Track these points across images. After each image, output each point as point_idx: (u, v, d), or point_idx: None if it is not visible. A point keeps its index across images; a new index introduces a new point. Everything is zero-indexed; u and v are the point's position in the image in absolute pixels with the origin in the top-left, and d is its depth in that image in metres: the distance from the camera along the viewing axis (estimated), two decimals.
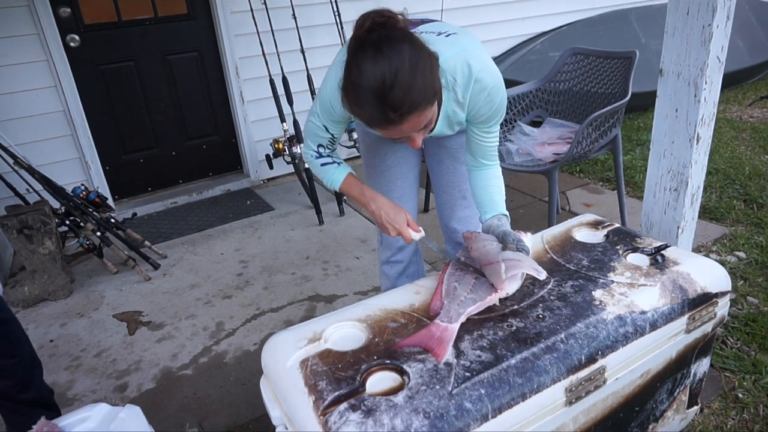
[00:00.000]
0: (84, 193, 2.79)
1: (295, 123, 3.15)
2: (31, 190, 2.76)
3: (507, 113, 2.79)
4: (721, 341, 1.93)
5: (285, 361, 1.13)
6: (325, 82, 1.32)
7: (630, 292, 1.26)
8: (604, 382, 1.17)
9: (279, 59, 3.21)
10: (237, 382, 1.97)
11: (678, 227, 1.68)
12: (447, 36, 1.30)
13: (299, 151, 3.07)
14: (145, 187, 3.64)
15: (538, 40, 4.32)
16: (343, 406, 0.98)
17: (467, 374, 1.04)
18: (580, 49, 2.77)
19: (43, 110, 3.07)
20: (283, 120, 3.17)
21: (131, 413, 1.28)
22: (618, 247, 1.46)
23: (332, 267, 2.69)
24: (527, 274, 1.32)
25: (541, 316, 1.20)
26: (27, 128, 3.04)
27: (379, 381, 1.05)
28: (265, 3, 3.17)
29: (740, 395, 1.71)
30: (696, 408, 1.56)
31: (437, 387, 1.01)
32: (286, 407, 1.08)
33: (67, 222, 2.70)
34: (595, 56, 2.70)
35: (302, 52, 3.24)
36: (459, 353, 1.10)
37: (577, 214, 1.98)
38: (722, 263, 2.04)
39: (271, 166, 3.24)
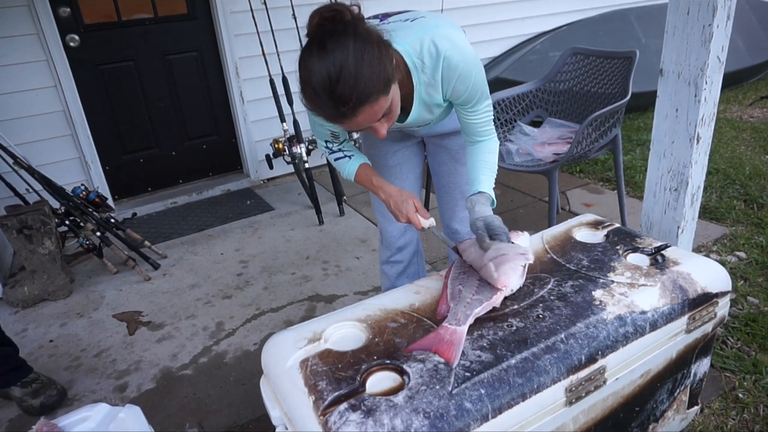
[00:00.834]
0: (84, 193, 2.79)
1: (295, 123, 3.15)
2: (30, 190, 2.76)
3: (507, 113, 2.80)
4: (721, 341, 1.93)
5: (285, 361, 1.13)
6: None
7: (630, 292, 1.26)
8: (604, 382, 1.17)
9: (279, 59, 3.21)
10: (237, 382, 1.97)
11: (678, 227, 1.68)
12: (413, 20, 1.29)
13: (299, 151, 3.07)
14: (145, 187, 3.64)
15: (538, 40, 4.32)
16: (343, 406, 0.98)
17: (467, 374, 1.04)
18: (580, 49, 2.77)
19: (43, 110, 3.07)
20: (283, 120, 3.17)
21: (131, 413, 1.28)
22: (618, 247, 1.46)
23: (332, 267, 2.69)
24: (530, 267, 1.33)
25: (541, 316, 1.20)
26: (27, 128, 3.04)
27: (379, 381, 1.05)
28: (265, 3, 3.17)
29: (740, 395, 1.71)
30: (696, 408, 1.56)
31: (437, 387, 1.01)
32: (286, 407, 1.08)
33: (67, 222, 2.69)
34: (595, 56, 2.69)
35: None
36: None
37: (577, 214, 1.98)
38: (722, 263, 2.04)
39: (271, 166, 3.24)
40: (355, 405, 0.98)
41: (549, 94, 2.85)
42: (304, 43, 1.14)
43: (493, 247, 1.30)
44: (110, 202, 3.30)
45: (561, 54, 2.82)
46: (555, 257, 1.43)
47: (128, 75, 3.36)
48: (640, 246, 1.45)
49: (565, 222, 1.62)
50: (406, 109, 1.36)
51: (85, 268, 2.86)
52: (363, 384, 1.03)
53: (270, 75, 3.17)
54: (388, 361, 1.08)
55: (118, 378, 2.04)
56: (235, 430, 1.77)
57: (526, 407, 1.05)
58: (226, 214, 3.39)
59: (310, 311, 2.35)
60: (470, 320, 1.17)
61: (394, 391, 1.02)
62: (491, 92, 1.68)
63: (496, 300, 1.22)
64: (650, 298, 1.25)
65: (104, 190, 3.36)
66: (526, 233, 1.43)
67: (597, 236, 1.54)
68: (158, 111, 3.52)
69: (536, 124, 2.83)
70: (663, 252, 1.41)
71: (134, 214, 3.16)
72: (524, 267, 1.31)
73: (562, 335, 1.14)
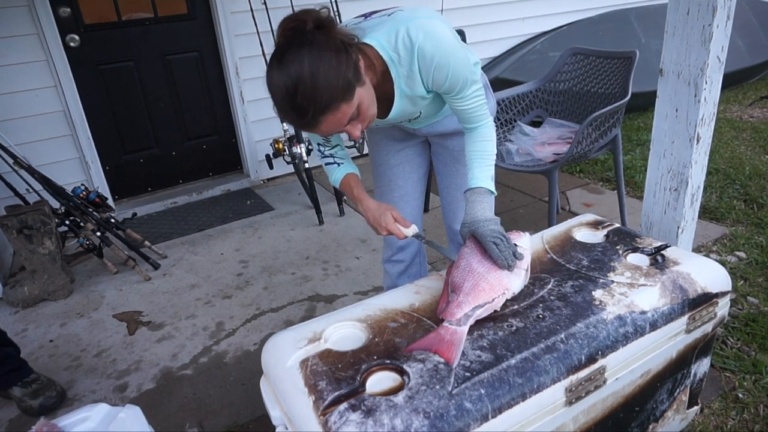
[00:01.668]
0: (84, 193, 2.79)
1: None
2: (31, 190, 2.76)
3: (507, 113, 2.80)
4: (721, 341, 1.93)
5: (285, 361, 1.13)
6: None
7: (630, 292, 1.26)
8: (604, 382, 1.17)
9: None
10: (237, 382, 1.97)
11: (678, 227, 1.68)
12: (390, 15, 1.28)
13: (299, 151, 3.07)
14: (145, 187, 3.64)
15: (538, 40, 4.32)
16: (343, 406, 0.98)
17: (467, 374, 1.04)
18: (580, 49, 2.77)
19: (43, 110, 3.07)
20: (283, 120, 3.16)
21: (131, 413, 1.28)
22: (618, 247, 1.46)
23: (332, 267, 2.69)
24: (530, 268, 1.33)
25: (541, 316, 1.20)
26: (27, 128, 3.04)
27: (379, 381, 1.05)
28: (265, 3, 3.17)
29: (740, 395, 1.71)
30: (696, 408, 1.56)
31: (437, 387, 1.01)
32: (286, 407, 1.08)
33: (67, 222, 2.69)
34: (595, 56, 2.70)
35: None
36: None
37: (577, 214, 1.98)
38: (722, 263, 2.04)
39: (271, 166, 3.24)
40: (355, 405, 0.98)
41: (549, 94, 2.85)
42: None
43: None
44: (110, 202, 3.30)
45: (561, 54, 2.82)
46: (555, 257, 1.43)
47: (128, 75, 3.36)
48: (640, 246, 1.45)
49: (565, 222, 1.62)
50: (390, 103, 1.36)
51: (85, 268, 2.86)
52: (363, 384, 1.03)
53: None
54: (388, 361, 1.08)
55: (118, 378, 2.04)
56: (235, 430, 1.77)
57: (526, 407, 1.05)
58: (226, 214, 3.39)
59: (310, 311, 2.35)
60: (471, 321, 1.16)
61: (394, 391, 1.02)
62: (492, 92, 1.67)
63: (498, 303, 1.22)
64: (650, 298, 1.25)
65: (104, 190, 3.36)
66: (527, 234, 1.42)
67: (597, 236, 1.54)
68: (158, 111, 3.52)
69: (536, 124, 2.83)
70: (663, 252, 1.41)
71: (134, 214, 3.16)
72: (526, 270, 1.30)
73: (562, 335, 1.14)
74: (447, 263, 1.37)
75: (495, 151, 1.41)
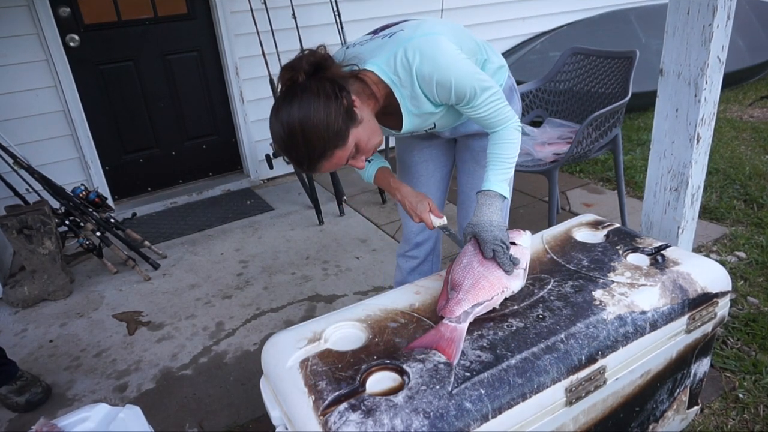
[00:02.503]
0: (84, 193, 2.79)
1: None
2: (30, 190, 2.76)
3: None
4: (721, 341, 1.93)
5: (285, 361, 1.13)
6: None
7: (630, 292, 1.26)
8: (604, 382, 1.17)
9: (279, 59, 3.21)
10: (237, 382, 1.97)
11: (678, 227, 1.68)
12: (391, 36, 1.29)
13: None
14: (145, 187, 3.64)
15: (538, 40, 4.32)
16: (343, 406, 0.98)
17: (467, 374, 1.04)
18: (580, 49, 2.77)
19: (42, 110, 3.07)
20: None
21: (131, 413, 1.28)
22: (618, 247, 1.45)
23: (332, 267, 2.69)
24: (530, 268, 1.34)
25: (541, 316, 1.20)
26: (27, 128, 3.04)
27: (379, 381, 1.05)
28: (265, 3, 3.17)
29: (741, 395, 1.71)
30: (696, 408, 1.56)
31: (437, 387, 1.01)
32: (286, 407, 1.08)
33: (67, 222, 2.69)
34: (595, 56, 2.69)
35: (302, 52, 3.23)
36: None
37: (577, 214, 1.98)
38: (722, 263, 2.04)
39: (271, 166, 3.24)
40: (355, 405, 0.98)
41: (549, 94, 2.85)
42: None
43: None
44: (110, 202, 3.30)
45: (561, 54, 2.82)
46: (555, 257, 1.43)
47: (128, 75, 3.35)
48: (640, 246, 1.45)
49: (565, 222, 1.62)
50: (401, 117, 1.37)
51: (85, 268, 2.86)
52: (363, 384, 1.03)
53: (270, 75, 3.17)
54: (388, 361, 1.08)
55: (118, 378, 2.04)
56: (235, 430, 1.77)
57: (526, 407, 1.05)
58: (226, 214, 3.39)
59: (310, 311, 2.35)
60: (470, 318, 1.17)
61: (394, 391, 1.02)
62: (518, 94, 1.67)
63: (497, 301, 1.22)
64: (650, 298, 1.25)
65: (104, 190, 3.36)
66: (528, 232, 1.43)
67: (597, 236, 1.54)
68: (158, 111, 3.51)
69: (536, 124, 2.83)
70: (663, 252, 1.41)
71: (134, 214, 3.16)
72: (525, 270, 1.31)
73: (562, 335, 1.14)
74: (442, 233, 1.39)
75: (515, 154, 1.37)
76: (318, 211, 3.17)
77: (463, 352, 1.10)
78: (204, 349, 2.17)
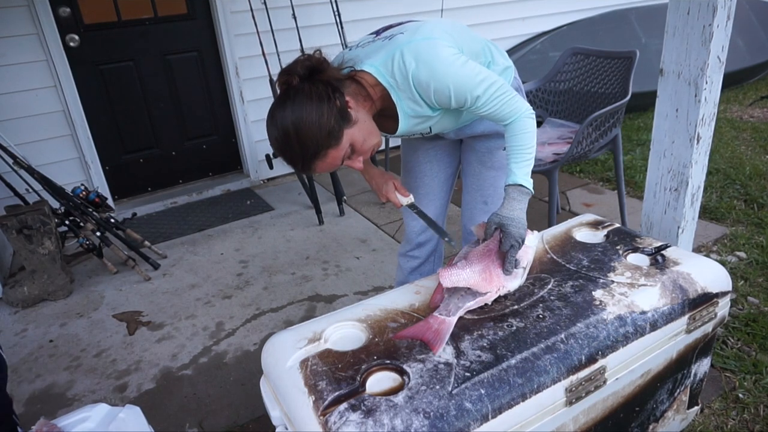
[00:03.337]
0: (84, 193, 2.79)
1: None
2: (30, 190, 2.76)
3: None
4: (721, 341, 1.93)
5: (285, 361, 1.13)
6: None
7: (630, 292, 1.26)
8: (605, 382, 1.17)
9: (279, 59, 3.21)
10: (237, 382, 1.97)
11: (678, 227, 1.68)
12: (390, 38, 1.30)
13: None
14: (145, 187, 3.64)
15: (538, 40, 4.32)
16: (343, 406, 0.98)
17: (467, 374, 1.04)
18: (580, 49, 2.77)
19: (42, 110, 3.07)
20: None
21: (131, 413, 1.28)
22: (618, 247, 1.45)
23: (332, 267, 2.69)
24: (530, 268, 1.34)
25: (541, 316, 1.20)
26: (27, 128, 3.04)
27: (379, 381, 1.05)
28: (265, 3, 3.17)
29: (741, 395, 1.71)
30: (696, 408, 1.56)
31: (437, 387, 1.01)
32: (286, 407, 1.08)
33: (67, 222, 2.69)
34: (595, 56, 2.69)
35: (302, 52, 3.21)
36: (459, 353, 1.09)
37: (577, 214, 1.98)
38: (723, 263, 2.04)
39: (271, 166, 3.23)
40: (355, 405, 0.98)
41: (549, 94, 2.85)
42: None
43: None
44: (110, 202, 3.30)
45: (561, 54, 2.82)
46: (555, 257, 1.43)
47: (128, 75, 3.35)
48: (640, 246, 1.45)
49: (565, 222, 1.62)
50: (397, 120, 1.37)
51: (85, 268, 2.86)
52: (363, 384, 1.03)
53: (270, 75, 3.17)
54: (388, 361, 1.08)
55: (118, 378, 2.04)
56: (235, 430, 1.77)
57: (526, 407, 1.05)
58: (226, 214, 3.39)
59: (310, 311, 2.35)
60: (460, 312, 1.18)
61: (394, 391, 1.02)
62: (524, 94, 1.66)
63: (489, 297, 1.23)
64: (650, 298, 1.25)
65: (104, 190, 3.36)
66: (535, 232, 1.43)
67: (597, 236, 1.53)
68: (158, 111, 3.51)
69: (536, 124, 2.83)
70: (663, 252, 1.41)
71: (134, 214, 3.16)
72: (525, 268, 1.31)
73: (562, 335, 1.14)
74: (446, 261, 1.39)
75: (533, 143, 1.34)
76: (318, 211, 3.17)
77: (463, 352, 1.10)
78: (204, 349, 2.17)
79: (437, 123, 1.43)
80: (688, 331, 1.31)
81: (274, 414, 1.15)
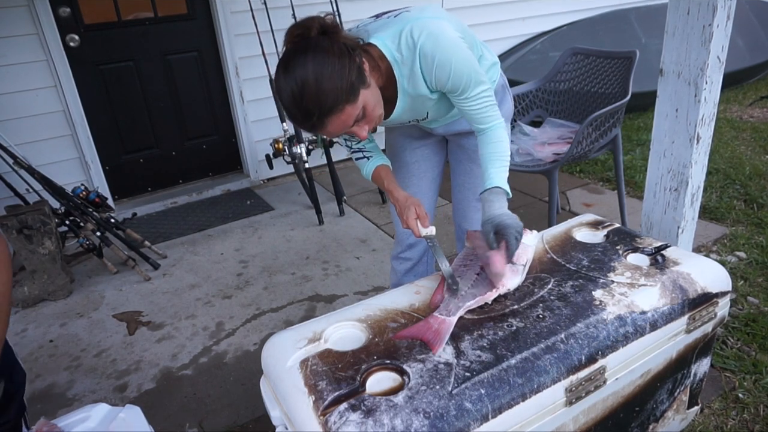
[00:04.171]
0: (84, 193, 2.79)
1: None
2: (30, 190, 2.76)
3: None
4: (721, 341, 1.93)
5: (285, 361, 1.13)
6: None
7: (630, 292, 1.26)
8: (604, 382, 1.17)
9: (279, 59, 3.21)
10: (237, 382, 1.97)
11: (678, 227, 1.68)
12: (396, 15, 1.30)
13: (299, 150, 3.07)
14: (145, 187, 3.64)
15: (538, 40, 4.32)
16: (343, 406, 0.98)
17: (467, 374, 1.04)
18: (580, 49, 2.77)
19: (42, 110, 3.07)
20: (283, 120, 3.17)
21: (131, 413, 1.28)
22: (618, 247, 1.45)
23: (332, 267, 2.69)
24: (530, 267, 1.34)
25: (541, 316, 1.20)
26: (27, 128, 3.04)
27: (379, 381, 1.05)
28: (265, 3, 3.17)
29: (741, 395, 1.71)
30: (696, 408, 1.56)
31: (437, 387, 1.01)
32: (286, 407, 1.08)
33: (67, 222, 2.69)
34: (595, 56, 2.69)
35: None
36: (459, 353, 1.10)
37: (577, 214, 1.98)
38: (722, 263, 2.04)
39: (271, 166, 3.24)
40: (355, 405, 0.98)
41: (549, 94, 2.85)
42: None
43: (491, 242, 1.31)
44: (110, 202, 3.30)
45: (561, 54, 2.82)
46: (555, 257, 1.43)
47: (128, 75, 3.35)
48: (640, 246, 1.45)
49: (565, 222, 1.62)
50: (395, 104, 1.37)
51: (85, 268, 2.86)
52: (363, 384, 1.03)
53: (270, 75, 3.17)
54: (388, 361, 1.08)
55: (118, 378, 2.04)
56: (235, 430, 1.77)
57: (526, 407, 1.05)
58: (226, 214, 3.39)
59: (310, 311, 2.35)
60: (460, 312, 1.18)
61: (394, 391, 1.02)
62: (510, 92, 1.67)
63: (490, 296, 1.23)
64: (650, 298, 1.25)
65: (104, 190, 3.36)
66: (534, 232, 1.44)
67: (597, 236, 1.54)
68: (158, 111, 3.52)
69: (536, 124, 2.83)
70: (663, 252, 1.41)
71: (134, 214, 3.16)
72: (524, 266, 1.31)
73: (562, 335, 1.14)
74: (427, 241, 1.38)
75: (508, 152, 1.40)
76: (318, 211, 3.17)
77: (463, 352, 1.10)
78: (204, 349, 2.17)
79: (433, 108, 1.42)
80: (688, 331, 1.31)
81: (274, 414, 1.15)
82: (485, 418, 1.00)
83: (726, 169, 3.29)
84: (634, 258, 1.41)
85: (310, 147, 3.12)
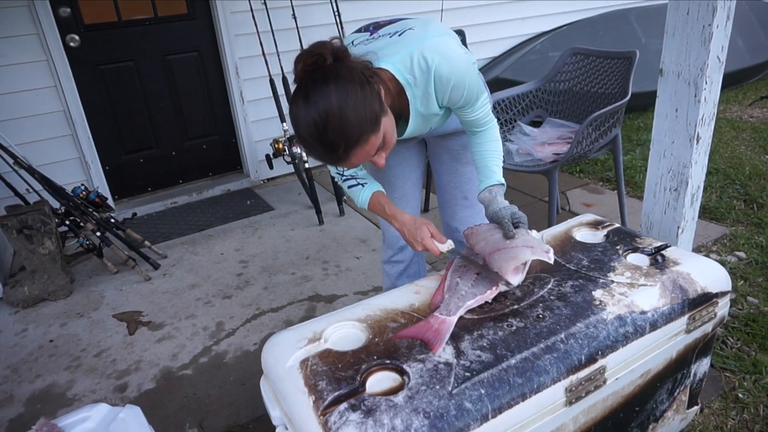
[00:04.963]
0: (84, 193, 2.79)
1: None
2: (31, 190, 2.76)
3: (507, 113, 2.80)
4: (721, 341, 1.93)
5: (285, 361, 1.13)
6: None
7: (630, 292, 1.26)
8: (604, 382, 1.17)
9: (279, 59, 3.21)
10: (237, 382, 1.97)
11: (678, 227, 1.68)
12: (400, 35, 1.29)
13: (299, 150, 3.07)
14: (145, 187, 3.64)
15: (538, 40, 4.32)
16: (343, 406, 0.98)
17: (467, 374, 1.04)
18: (580, 49, 2.77)
19: (43, 110, 3.07)
20: (283, 120, 3.17)
21: (131, 413, 1.28)
22: (618, 247, 1.46)
23: (332, 267, 2.69)
24: (530, 267, 1.34)
25: (541, 316, 1.20)
26: (27, 128, 3.04)
27: (379, 381, 1.05)
28: (265, 3, 3.17)
29: (740, 395, 1.71)
30: (696, 408, 1.56)
31: (437, 387, 1.01)
32: (286, 407, 1.08)
33: (67, 222, 2.69)
34: (595, 56, 2.70)
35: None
36: (459, 353, 1.10)
37: (577, 214, 1.98)
38: (722, 263, 2.04)
39: (271, 166, 3.24)
40: (355, 405, 0.98)
41: (549, 94, 2.85)
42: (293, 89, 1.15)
43: (511, 231, 1.32)
44: (110, 202, 3.30)
45: (561, 54, 2.82)
46: (555, 257, 1.43)
47: (128, 75, 3.36)
48: (640, 246, 1.45)
49: (565, 222, 1.62)
50: (404, 119, 1.38)
51: (85, 268, 2.86)
52: (363, 384, 1.03)
53: (270, 75, 3.17)
54: (388, 361, 1.08)
55: (118, 378, 2.04)
56: (235, 430, 1.77)
57: (526, 407, 1.05)
58: (226, 214, 3.39)
59: (310, 311, 2.35)
60: (461, 311, 1.18)
61: (394, 391, 1.02)
62: (491, 92, 1.69)
63: (490, 294, 1.23)
64: (650, 298, 1.26)
65: (104, 190, 3.36)
66: (534, 231, 1.44)
67: (597, 236, 1.54)
68: (158, 111, 3.52)
69: (536, 124, 2.83)
70: (663, 252, 1.41)
71: (134, 214, 3.16)
72: (525, 264, 1.31)
73: (562, 335, 1.14)
74: (446, 263, 1.38)
75: (502, 148, 1.47)
76: (318, 211, 3.17)
77: (463, 351, 1.10)
78: (204, 349, 2.17)
79: (437, 122, 1.45)
80: (688, 331, 1.31)
81: (274, 414, 1.16)
82: (485, 418, 1.00)
83: (726, 169, 3.29)
84: (634, 258, 1.41)
85: None
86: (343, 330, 1.22)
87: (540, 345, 1.11)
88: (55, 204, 2.76)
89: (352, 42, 1.38)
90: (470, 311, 1.21)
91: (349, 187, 1.49)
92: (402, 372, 1.06)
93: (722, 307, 1.38)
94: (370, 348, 1.13)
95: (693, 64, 1.48)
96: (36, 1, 2.89)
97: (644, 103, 3.62)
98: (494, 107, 2.72)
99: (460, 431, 0.97)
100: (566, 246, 1.48)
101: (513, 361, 1.07)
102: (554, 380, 1.08)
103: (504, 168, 1.50)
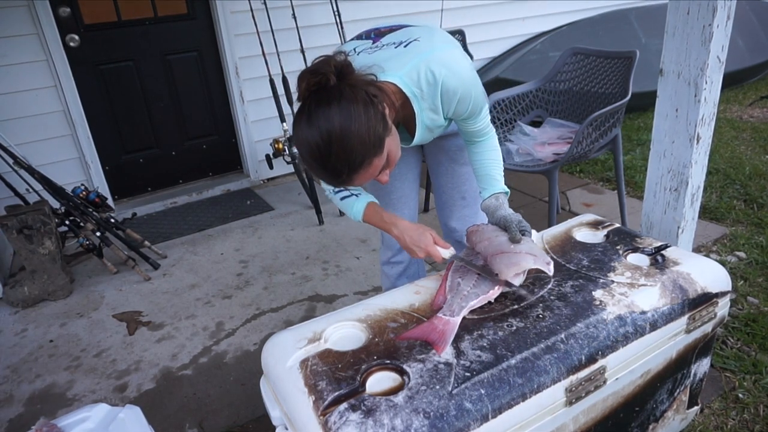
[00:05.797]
0: (84, 193, 2.79)
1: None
2: (30, 190, 2.76)
3: (507, 113, 2.80)
4: (721, 341, 1.93)
5: (285, 361, 1.13)
6: None
7: (630, 292, 1.26)
8: (604, 382, 1.17)
9: (279, 59, 3.21)
10: (237, 382, 1.97)
11: (678, 227, 1.68)
12: (406, 46, 1.27)
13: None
14: (145, 187, 3.64)
15: (538, 40, 4.32)
16: (343, 406, 0.98)
17: (467, 374, 1.04)
18: (580, 49, 2.77)
19: (42, 110, 3.07)
20: (283, 120, 3.17)
21: (131, 413, 1.28)
22: (618, 247, 1.45)
23: (332, 267, 2.69)
24: (530, 269, 1.33)
25: (541, 316, 1.20)
26: (27, 128, 3.04)
27: (379, 381, 1.05)
28: (265, 3, 3.17)
29: (740, 395, 1.71)
30: (696, 408, 1.56)
31: (437, 387, 1.01)
32: (286, 407, 1.08)
33: (67, 222, 2.69)
34: (595, 56, 2.69)
35: (302, 52, 3.24)
36: (459, 353, 1.10)
37: (577, 214, 1.98)
38: (722, 263, 2.04)
39: (271, 166, 3.24)
40: (355, 405, 0.98)
41: (549, 94, 2.85)
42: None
43: (518, 238, 1.32)
44: (110, 202, 3.30)
45: (561, 54, 2.82)
46: (555, 257, 1.43)
47: (128, 75, 3.35)
48: (640, 246, 1.45)
49: (565, 222, 1.62)
50: (410, 131, 1.38)
51: (85, 268, 2.86)
52: (363, 384, 1.03)
53: (270, 75, 3.17)
54: (388, 361, 1.08)
55: (118, 378, 2.04)
56: (235, 430, 1.77)
57: (526, 407, 1.05)
58: (226, 214, 3.39)
59: (310, 311, 2.35)
60: (464, 312, 1.18)
61: (394, 391, 1.02)
62: (491, 92, 1.70)
63: (493, 294, 1.23)
64: (650, 298, 1.25)
65: (104, 190, 3.36)
66: (534, 231, 1.45)
67: (597, 236, 1.54)
68: (158, 111, 3.52)
69: (536, 124, 2.83)
70: (663, 252, 1.41)
71: (134, 214, 3.16)
72: (525, 271, 1.31)
73: (562, 335, 1.14)
74: (446, 263, 1.38)
75: (501, 157, 1.50)
76: (318, 211, 3.17)
77: (463, 351, 1.10)
78: (204, 349, 2.17)
79: (440, 131, 1.46)
80: (688, 331, 1.31)
81: (274, 414, 1.15)
82: (485, 418, 1.00)
83: (726, 169, 3.29)
84: (634, 258, 1.41)
85: None
86: (343, 330, 1.22)
87: (540, 345, 1.11)
88: (55, 204, 2.76)
89: (354, 49, 1.35)
90: (470, 311, 1.21)
91: (342, 198, 1.47)
92: (402, 372, 1.06)
93: (722, 308, 1.38)
94: (370, 348, 1.13)
95: (693, 64, 1.49)
96: (36, 1, 2.88)
97: (644, 103, 3.62)
98: (494, 107, 2.72)
99: (460, 431, 0.97)
100: (566, 246, 1.48)
101: (513, 361, 1.07)
102: (554, 380, 1.08)
103: (504, 168, 1.50)
